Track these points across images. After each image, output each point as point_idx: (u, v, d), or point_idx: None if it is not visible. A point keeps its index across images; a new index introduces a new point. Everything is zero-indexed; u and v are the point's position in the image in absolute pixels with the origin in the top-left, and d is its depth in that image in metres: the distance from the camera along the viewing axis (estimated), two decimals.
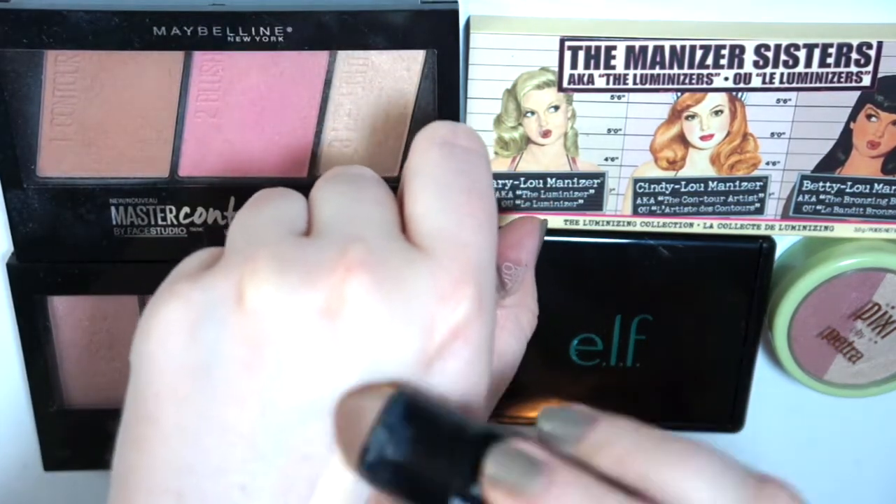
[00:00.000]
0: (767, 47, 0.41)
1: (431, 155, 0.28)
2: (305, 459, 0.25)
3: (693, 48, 0.41)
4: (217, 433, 0.25)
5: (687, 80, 0.42)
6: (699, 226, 0.45)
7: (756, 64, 0.41)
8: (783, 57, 0.41)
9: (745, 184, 0.44)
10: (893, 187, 0.44)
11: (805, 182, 0.44)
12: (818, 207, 0.44)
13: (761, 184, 0.44)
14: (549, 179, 0.44)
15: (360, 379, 0.25)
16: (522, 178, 0.44)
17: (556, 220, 0.45)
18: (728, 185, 0.44)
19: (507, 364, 0.34)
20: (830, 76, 0.41)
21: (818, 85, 0.42)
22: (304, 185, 0.31)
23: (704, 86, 0.42)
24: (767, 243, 0.46)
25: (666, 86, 0.42)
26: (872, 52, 0.41)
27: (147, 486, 0.26)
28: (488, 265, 0.27)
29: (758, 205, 0.44)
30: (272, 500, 0.25)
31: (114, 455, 0.27)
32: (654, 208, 0.44)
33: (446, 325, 0.26)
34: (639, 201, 0.44)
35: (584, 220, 0.45)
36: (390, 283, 0.25)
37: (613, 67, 0.41)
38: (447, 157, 0.28)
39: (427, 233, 0.27)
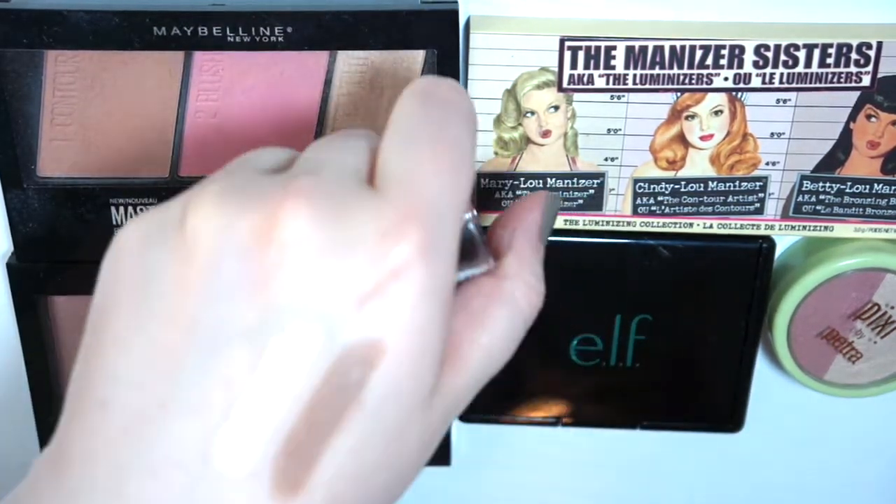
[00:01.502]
0: (767, 47, 0.41)
1: (405, 104, 0.28)
2: (226, 383, 0.25)
3: (693, 48, 0.41)
4: (146, 347, 0.25)
5: (687, 80, 0.42)
6: (699, 226, 0.45)
7: (756, 64, 0.41)
8: (783, 57, 0.41)
9: (745, 184, 0.44)
10: (893, 187, 0.44)
11: (805, 182, 0.44)
12: (818, 207, 0.44)
13: (761, 184, 0.44)
14: (548, 179, 0.44)
15: (287, 304, 0.25)
16: (522, 178, 0.44)
17: (555, 221, 0.45)
18: (728, 185, 0.44)
19: (496, 339, 0.30)
20: (830, 76, 0.41)
21: (818, 85, 0.42)
22: None
23: (704, 86, 0.42)
24: (767, 243, 0.46)
25: (666, 86, 0.42)
26: (872, 53, 0.41)
27: (81, 394, 0.26)
28: (445, 213, 0.26)
29: (757, 205, 0.44)
30: (188, 419, 0.25)
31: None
32: (653, 208, 0.44)
33: (385, 262, 0.25)
34: (639, 201, 0.44)
35: (583, 221, 0.45)
36: (329, 213, 0.25)
37: (613, 67, 0.41)
38: (419, 106, 0.28)
39: (383, 175, 0.27)
